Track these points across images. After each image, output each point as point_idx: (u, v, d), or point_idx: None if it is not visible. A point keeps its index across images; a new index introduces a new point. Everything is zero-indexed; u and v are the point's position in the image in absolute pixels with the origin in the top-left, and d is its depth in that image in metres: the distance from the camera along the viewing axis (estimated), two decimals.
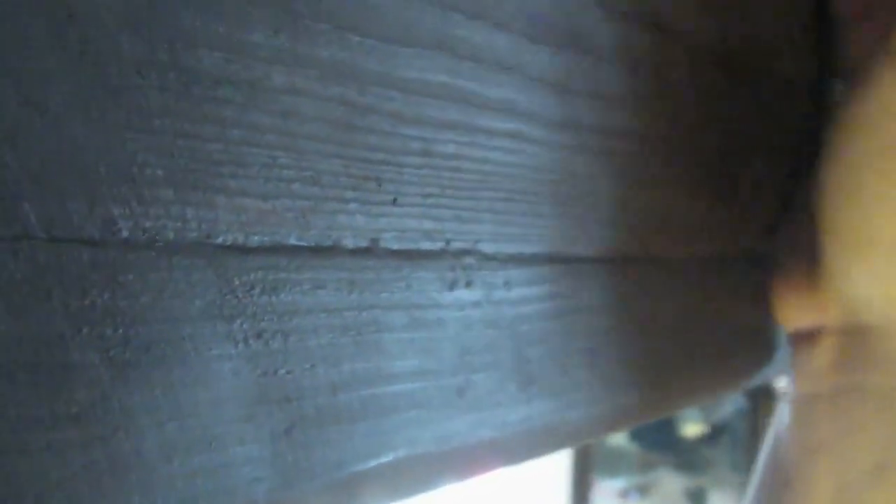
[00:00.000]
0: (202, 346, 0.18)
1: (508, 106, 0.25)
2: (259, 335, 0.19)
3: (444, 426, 0.24)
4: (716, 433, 1.86)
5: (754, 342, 0.40)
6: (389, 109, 0.21)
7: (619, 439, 1.85)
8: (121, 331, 0.16)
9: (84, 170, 0.16)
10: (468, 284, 0.25)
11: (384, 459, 0.22)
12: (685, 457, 1.89)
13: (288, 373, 0.20)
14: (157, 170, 0.17)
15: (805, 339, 0.36)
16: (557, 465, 1.77)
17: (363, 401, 0.21)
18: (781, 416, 0.36)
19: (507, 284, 0.26)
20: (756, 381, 0.41)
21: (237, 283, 0.19)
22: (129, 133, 0.16)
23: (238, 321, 0.19)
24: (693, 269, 0.35)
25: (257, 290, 0.19)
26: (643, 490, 1.92)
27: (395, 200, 0.22)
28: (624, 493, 1.91)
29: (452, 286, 0.24)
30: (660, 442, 1.88)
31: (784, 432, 0.36)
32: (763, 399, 1.59)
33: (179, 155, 0.17)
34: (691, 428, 1.86)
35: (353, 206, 0.21)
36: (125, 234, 0.16)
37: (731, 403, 1.75)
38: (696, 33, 0.34)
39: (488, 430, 0.25)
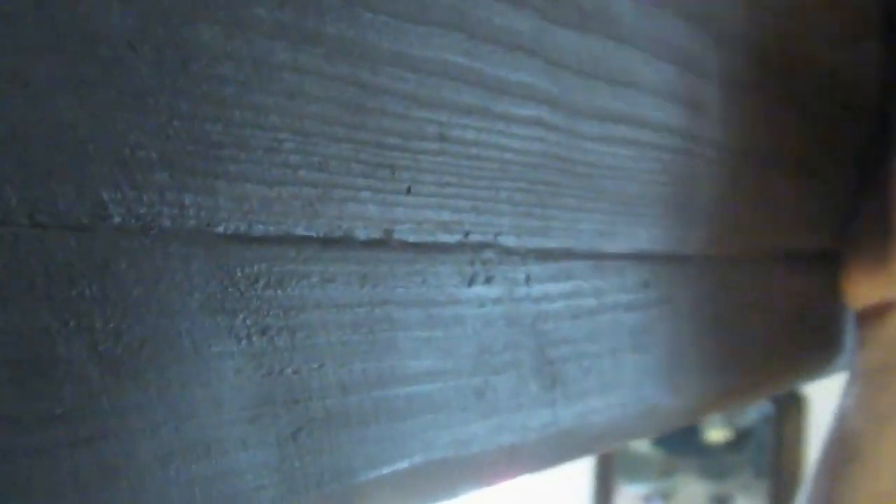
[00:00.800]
0: (201, 342, 0.17)
1: (528, 91, 0.24)
2: (263, 331, 0.18)
3: (461, 430, 0.22)
4: (740, 439, 1.84)
5: (799, 341, 0.39)
6: (403, 91, 0.20)
7: (641, 444, 1.83)
8: (111, 324, 0.15)
9: (71, 150, 0.14)
10: (488, 280, 0.23)
11: (398, 466, 0.21)
12: (709, 462, 1.86)
13: (295, 372, 0.18)
14: (151, 152, 0.16)
15: (873, 314, 0.37)
16: (579, 470, 1.75)
17: (376, 403, 0.20)
18: (847, 394, 0.37)
19: (529, 280, 0.25)
20: (792, 385, 0.40)
21: (240, 274, 0.17)
22: (121, 111, 0.15)
23: (241, 316, 0.17)
24: (740, 268, 0.33)
25: (262, 283, 0.18)
26: (666, 496, 1.90)
27: (409, 189, 0.21)
28: (647, 499, 1.88)
29: (471, 281, 0.23)
30: (683, 447, 1.85)
31: (850, 408, 0.37)
32: (788, 405, 1.56)
33: (176, 136, 0.16)
34: (715, 433, 1.84)
35: (364, 194, 0.20)
36: (116, 220, 0.15)
37: (755, 409, 1.73)
38: (734, 24, 0.32)
39: (509, 435, 0.24)
